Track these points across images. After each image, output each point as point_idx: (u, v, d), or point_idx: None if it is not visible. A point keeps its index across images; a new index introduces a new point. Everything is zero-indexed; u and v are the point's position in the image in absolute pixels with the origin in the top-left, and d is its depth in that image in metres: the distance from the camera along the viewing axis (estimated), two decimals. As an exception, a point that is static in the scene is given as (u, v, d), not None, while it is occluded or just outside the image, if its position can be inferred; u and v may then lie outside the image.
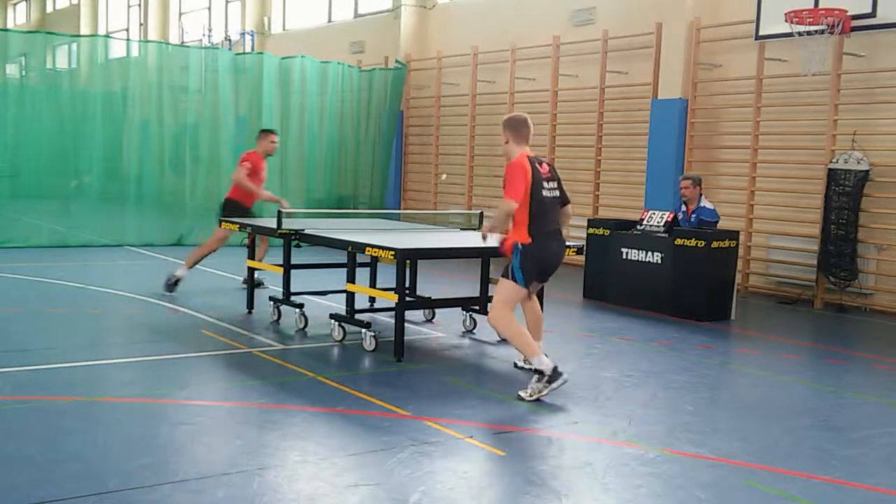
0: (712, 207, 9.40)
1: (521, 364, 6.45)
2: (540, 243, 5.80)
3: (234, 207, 9.05)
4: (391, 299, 6.67)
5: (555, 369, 5.58)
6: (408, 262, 7.18)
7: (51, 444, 4.39)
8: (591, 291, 9.91)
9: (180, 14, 26.07)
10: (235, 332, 7.37)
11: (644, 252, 9.24)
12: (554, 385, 5.57)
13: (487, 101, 14.66)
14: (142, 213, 13.55)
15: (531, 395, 5.58)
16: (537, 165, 5.83)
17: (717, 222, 9.34)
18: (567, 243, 6.31)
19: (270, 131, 9.50)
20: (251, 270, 8.39)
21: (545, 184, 5.82)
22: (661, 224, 9.23)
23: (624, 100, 12.49)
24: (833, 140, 10.05)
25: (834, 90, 10.01)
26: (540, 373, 5.60)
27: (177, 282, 8.89)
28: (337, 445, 4.67)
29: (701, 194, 9.40)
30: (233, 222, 8.44)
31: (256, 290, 8.50)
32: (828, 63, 9.83)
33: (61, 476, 3.99)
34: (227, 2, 23.50)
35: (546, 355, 5.70)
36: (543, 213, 5.80)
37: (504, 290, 5.90)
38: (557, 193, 5.93)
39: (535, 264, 5.84)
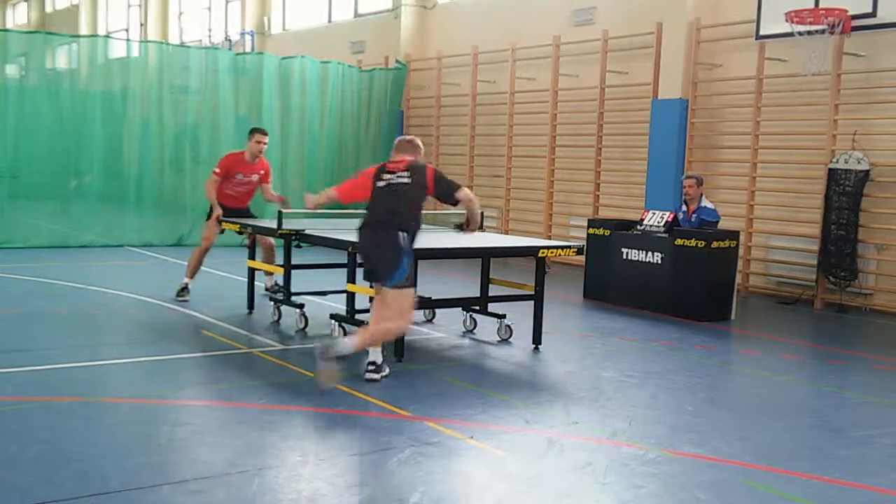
0: (713, 207, 9.41)
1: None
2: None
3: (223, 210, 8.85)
4: (391, 299, 6.66)
5: (343, 358, 5.53)
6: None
7: (51, 445, 4.39)
8: (591, 291, 9.91)
9: (180, 14, 26.07)
10: (235, 332, 7.37)
11: (644, 252, 9.24)
12: (376, 376, 5.80)
13: (487, 101, 14.66)
14: (142, 213, 13.55)
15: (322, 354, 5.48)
16: (387, 165, 6.03)
17: (717, 222, 9.35)
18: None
19: (257, 130, 9.07)
20: (251, 271, 8.39)
21: (385, 176, 5.92)
22: (662, 224, 9.23)
23: (624, 100, 12.49)
24: (833, 140, 10.05)
25: (834, 90, 10.01)
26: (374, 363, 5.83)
27: (184, 289, 8.82)
28: (337, 445, 4.67)
29: (702, 194, 9.41)
30: (233, 222, 8.43)
31: (274, 294, 8.44)
32: (828, 63, 9.83)
33: (62, 476, 3.99)
34: (227, 2, 23.50)
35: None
36: (371, 202, 5.92)
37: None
38: (403, 181, 5.86)
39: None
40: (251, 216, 9.06)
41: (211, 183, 8.89)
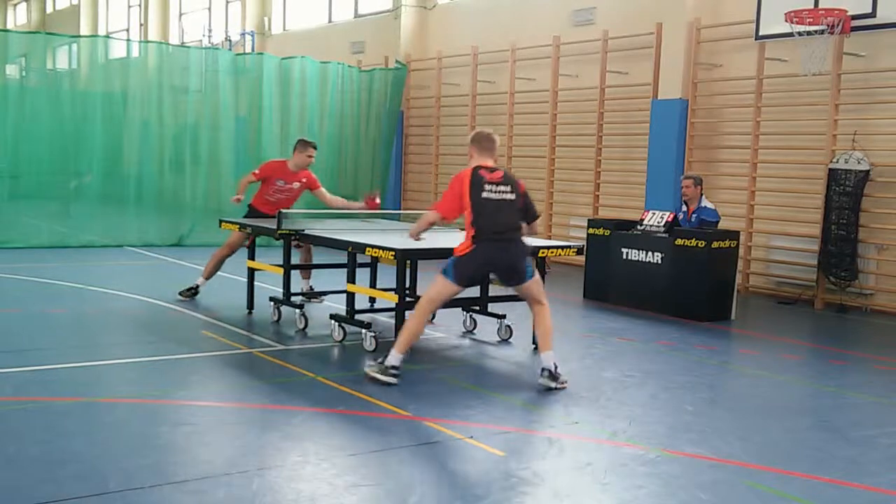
0: (713, 207, 9.40)
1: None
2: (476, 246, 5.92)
3: (252, 214, 8.76)
4: (391, 300, 6.68)
5: (397, 369, 5.77)
6: (408, 262, 7.18)
7: (51, 445, 4.39)
8: (591, 291, 9.91)
9: (180, 14, 26.07)
10: (235, 332, 7.37)
11: (644, 252, 9.24)
12: (383, 377, 5.74)
13: (487, 101, 14.66)
14: (142, 213, 13.56)
15: (372, 370, 5.79)
16: (483, 173, 5.96)
17: (717, 222, 9.34)
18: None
19: (308, 143, 8.91)
20: (251, 271, 8.38)
21: (488, 187, 5.92)
22: (662, 224, 9.23)
23: (624, 100, 12.49)
24: (833, 140, 10.05)
25: (834, 90, 10.01)
26: (392, 364, 5.79)
27: (193, 289, 8.80)
28: (337, 445, 4.67)
29: (702, 194, 9.40)
30: (233, 222, 8.42)
31: (311, 302, 8.43)
32: (828, 63, 9.83)
33: (62, 476, 3.99)
34: (227, 2, 23.50)
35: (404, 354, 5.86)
36: (485, 215, 5.89)
37: (436, 285, 5.97)
38: (509, 197, 5.95)
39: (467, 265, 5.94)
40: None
41: (245, 178, 8.86)
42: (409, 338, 5.86)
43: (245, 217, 8.77)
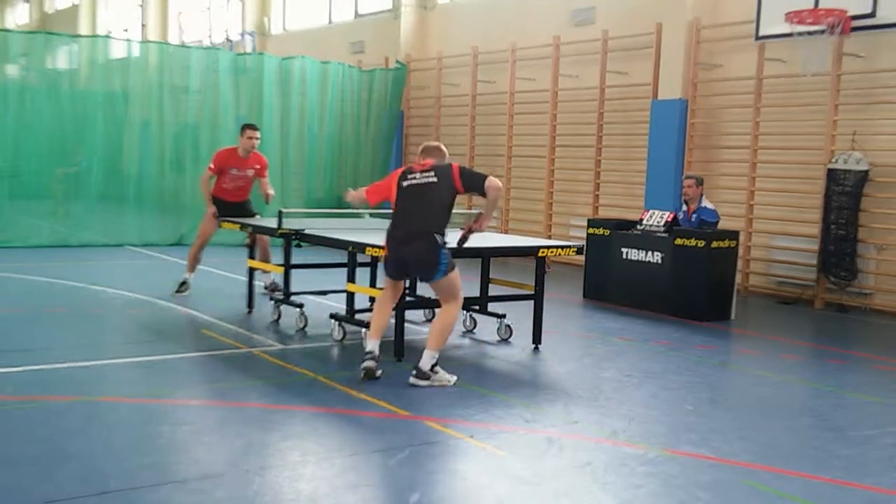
0: (713, 208, 9.41)
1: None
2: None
3: (215, 203, 9.00)
4: (391, 299, 6.66)
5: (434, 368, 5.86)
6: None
7: (52, 444, 4.39)
8: (591, 291, 9.91)
9: (180, 14, 26.07)
10: (235, 332, 7.37)
11: (644, 252, 9.25)
12: (423, 382, 5.78)
13: (487, 101, 14.66)
14: (142, 212, 13.56)
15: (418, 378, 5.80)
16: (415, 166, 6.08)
17: (717, 222, 9.35)
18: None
19: (248, 126, 9.21)
20: (251, 271, 8.40)
21: (411, 175, 6.00)
22: (662, 224, 9.23)
23: (624, 100, 12.49)
24: (833, 140, 10.05)
25: (834, 90, 10.01)
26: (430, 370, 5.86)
27: (183, 284, 8.92)
28: (337, 445, 4.68)
29: (702, 194, 9.40)
30: (233, 222, 8.44)
31: (274, 294, 8.47)
32: (828, 63, 9.83)
33: (62, 476, 3.99)
34: (227, 2, 23.50)
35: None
36: (401, 206, 5.99)
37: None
38: (431, 180, 5.93)
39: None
40: (251, 211, 9.13)
41: (205, 180, 9.11)
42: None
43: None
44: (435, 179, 5.92)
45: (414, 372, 5.81)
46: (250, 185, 9.21)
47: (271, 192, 9.13)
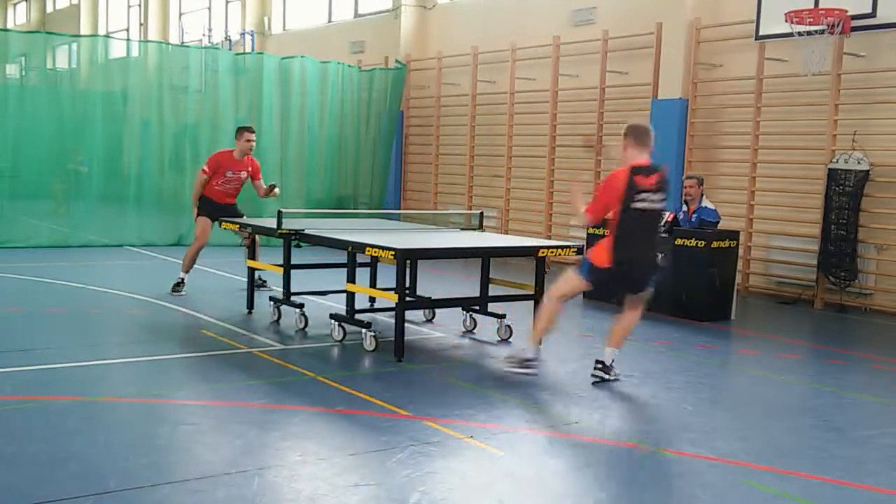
0: (713, 208, 9.40)
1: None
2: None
3: (205, 203, 9.06)
4: (391, 299, 6.67)
5: (531, 361, 6.11)
6: (408, 262, 7.18)
7: (51, 444, 4.39)
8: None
9: (180, 14, 26.06)
10: (235, 332, 7.37)
11: (644, 252, 9.22)
12: (520, 370, 6.07)
13: (487, 101, 14.66)
14: (142, 213, 13.56)
15: (511, 364, 6.14)
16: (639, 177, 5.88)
17: (717, 222, 9.34)
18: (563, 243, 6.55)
19: (245, 129, 9.26)
20: (251, 270, 8.39)
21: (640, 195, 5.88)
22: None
23: (624, 100, 12.48)
24: (833, 140, 10.05)
25: (834, 90, 10.01)
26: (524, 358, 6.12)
27: (179, 283, 8.93)
28: (337, 445, 4.67)
29: (702, 194, 9.40)
30: (233, 222, 8.44)
31: (257, 291, 8.50)
32: (828, 63, 9.83)
33: (62, 476, 3.99)
34: (227, 2, 23.50)
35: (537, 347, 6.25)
36: (631, 227, 5.93)
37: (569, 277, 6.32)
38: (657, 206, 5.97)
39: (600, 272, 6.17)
40: (238, 212, 9.17)
41: (198, 183, 9.14)
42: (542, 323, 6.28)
43: (200, 207, 9.10)
44: (662, 205, 6.06)
45: (598, 366, 6.09)
46: (241, 187, 9.30)
47: (266, 188, 9.19)
